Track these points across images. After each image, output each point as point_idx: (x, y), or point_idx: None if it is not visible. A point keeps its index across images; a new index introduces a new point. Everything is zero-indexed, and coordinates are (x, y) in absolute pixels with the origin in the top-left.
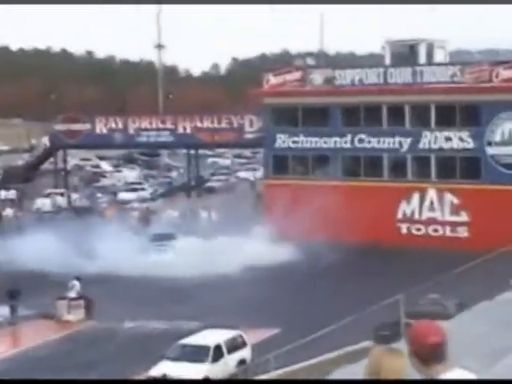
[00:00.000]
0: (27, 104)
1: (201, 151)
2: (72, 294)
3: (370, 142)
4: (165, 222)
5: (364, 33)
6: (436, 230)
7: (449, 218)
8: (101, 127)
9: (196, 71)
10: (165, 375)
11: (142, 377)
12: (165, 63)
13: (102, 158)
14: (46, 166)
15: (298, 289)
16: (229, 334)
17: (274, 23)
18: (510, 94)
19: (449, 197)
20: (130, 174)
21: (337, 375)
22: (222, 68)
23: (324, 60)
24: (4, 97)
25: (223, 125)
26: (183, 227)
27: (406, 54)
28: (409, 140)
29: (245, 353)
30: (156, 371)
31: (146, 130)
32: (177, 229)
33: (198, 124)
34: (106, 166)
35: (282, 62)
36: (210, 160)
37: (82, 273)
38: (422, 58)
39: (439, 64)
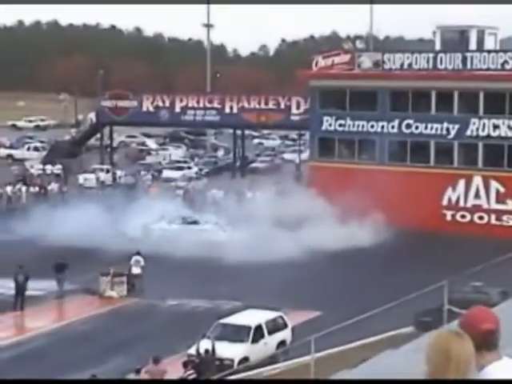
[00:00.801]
0: (75, 79)
1: (247, 132)
2: (137, 270)
3: (417, 128)
4: (210, 202)
5: (414, 17)
6: (481, 218)
7: (494, 206)
8: (147, 105)
9: (244, 51)
10: (207, 351)
11: (182, 355)
12: (213, 42)
13: (147, 136)
14: (92, 141)
15: (342, 273)
16: (270, 314)
17: (324, 5)
18: None
19: (495, 185)
20: (176, 152)
21: (375, 360)
22: (271, 49)
23: (373, 44)
24: (52, 72)
25: (270, 106)
26: (234, 208)
27: (456, 39)
28: (456, 127)
29: (285, 334)
30: (196, 349)
31: (193, 108)
32: (226, 209)
33: (245, 104)
34: (151, 143)
35: (331, 44)
36: (256, 141)
37: (125, 250)
38: (473, 45)
39: (490, 51)
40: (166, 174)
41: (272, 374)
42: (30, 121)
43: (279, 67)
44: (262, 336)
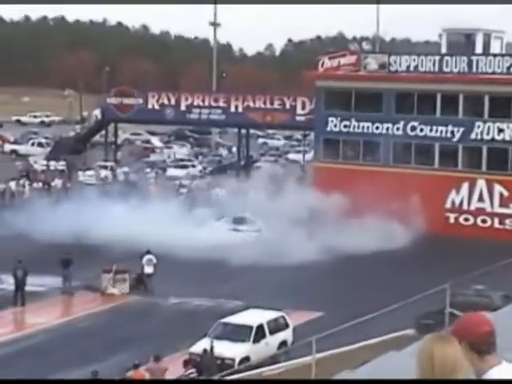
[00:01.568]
0: (81, 75)
1: (252, 131)
2: (149, 269)
3: (422, 130)
4: (213, 201)
5: (421, 20)
6: (484, 221)
7: (498, 209)
8: (153, 102)
9: (250, 51)
10: (205, 350)
11: (183, 353)
12: (219, 41)
13: (152, 134)
14: (97, 138)
15: (348, 274)
16: (271, 314)
17: (330, 6)
18: None
19: (498, 188)
20: (180, 150)
21: (375, 362)
22: (277, 49)
23: (379, 45)
24: (58, 67)
25: (275, 106)
26: (234, 207)
27: (462, 42)
28: (461, 130)
29: (286, 334)
30: (197, 348)
31: (198, 107)
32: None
33: (251, 104)
34: (156, 141)
35: (337, 45)
36: (261, 140)
37: (128, 247)
38: (479, 48)
39: (495, 54)
40: (170, 172)
41: (273, 374)
42: (35, 116)
43: (285, 67)
44: (264, 336)
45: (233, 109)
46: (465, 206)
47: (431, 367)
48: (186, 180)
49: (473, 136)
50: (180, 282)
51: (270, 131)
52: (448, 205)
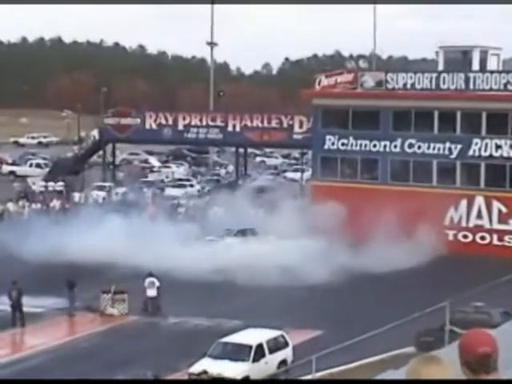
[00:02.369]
0: (78, 96)
1: (249, 150)
2: (152, 293)
3: (419, 147)
4: (211, 219)
5: (417, 38)
6: (483, 238)
7: (496, 226)
8: (150, 122)
9: (248, 70)
10: (205, 371)
11: (183, 373)
12: (217, 61)
13: (150, 153)
14: (95, 159)
15: (347, 293)
16: (271, 333)
17: (327, 25)
18: None
19: (497, 205)
20: (178, 170)
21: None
22: (274, 67)
23: (376, 63)
24: (55, 88)
25: (273, 124)
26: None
27: (459, 60)
28: (459, 146)
29: (286, 353)
30: (196, 368)
31: (196, 126)
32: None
33: (248, 123)
34: (154, 161)
35: (334, 63)
36: (259, 159)
37: (123, 267)
38: (476, 65)
39: (492, 71)
40: (169, 191)
41: None
42: (33, 137)
43: (282, 86)
44: (263, 355)
45: (230, 128)
46: (463, 223)
47: None
48: (184, 199)
49: (471, 153)
50: (180, 302)
51: (268, 150)
52: (447, 222)
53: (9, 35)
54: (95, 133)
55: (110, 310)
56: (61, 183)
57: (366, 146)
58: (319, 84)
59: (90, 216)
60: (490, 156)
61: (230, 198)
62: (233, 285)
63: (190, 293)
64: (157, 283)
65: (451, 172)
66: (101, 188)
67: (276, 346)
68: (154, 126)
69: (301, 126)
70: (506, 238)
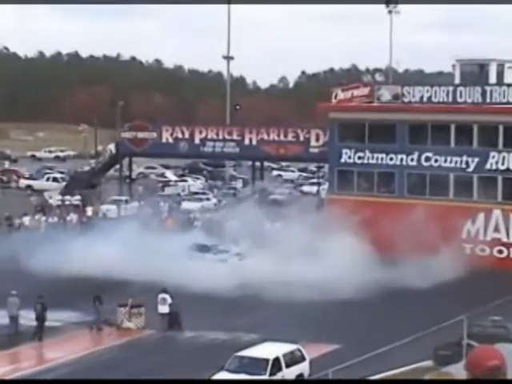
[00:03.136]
0: (95, 110)
1: (266, 163)
2: (164, 310)
3: (436, 161)
4: (228, 233)
5: (433, 51)
6: (500, 252)
7: None
8: (167, 136)
9: (264, 83)
10: None
11: None
12: (233, 74)
13: (167, 167)
14: (112, 172)
15: (369, 307)
16: (288, 347)
17: (343, 38)
18: None
19: None
20: (195, 183)
21: None
22: (291, 81)
23: (392, 76)
24: (72, 103)
25: (289, 138)
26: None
27: (475, 73)
28: (476, 160)
29: (303, 367)
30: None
31: (212, 140)
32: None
33: (264, 136)
34: (170, 175)
35: (351, 77)
36: (275, 173)
37: (141, 281)
38: (492, 78)
39: (509, 84)
40: (185, 205)
41: None
42: (50, 151)
43: (299, 99)
44: (280, 369)
45: (247, 141)
46: (481, 237)
47: None
48: (201, 213)
49: (488, 166)
50: (198, 315)
51: (284, 163)
52: (464, 235)
53: (26, 50)
54: (112, 147)
55: (127, 324)
56: (77, 197)
57: (382, 159)
58: (336, 98)
59: (106, 230)
60: (507, 169)
61: (246, 212)
62: (254, 299)
63: (207, 307)
64: (169, 300)
65: (468, 185)
66: (114, 202)
67: (293, 359)
68: (170, 140)
69: (317, 140)
70: None
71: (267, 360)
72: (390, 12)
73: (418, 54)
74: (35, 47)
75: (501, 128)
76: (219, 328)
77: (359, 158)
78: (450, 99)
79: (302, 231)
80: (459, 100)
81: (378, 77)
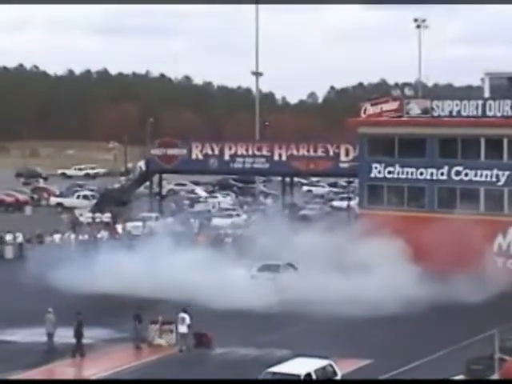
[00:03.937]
0: (125, 128)
1: (296, 179)
2: (183, 330)
3: (466, 175)
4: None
5: (463, 64)
6: None
7: None
8: (197, 153)
9: (293, 99)
10: None
11: None
12: (262, 90)
13: (196, 184)
14: (142, 189)
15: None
16: (319, 363)
17: (372, 52)
18: None
19: None
20: (225, 199)
21: None
22: (320, 96)
23: (422, 91)
24: (102, 120)
25: (319, 153)
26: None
27: (505, 86)
28: (506, 173)
29: None
30: None
31: (242, 156)
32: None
33: (294, 152)
34: (200, 191)
35: (380, 91)
36: (305, 188)
37: (171, 299)
38: None
39: None
40: (216, 221)
41: None
42: (80, 169)
43: (328, 114)
44: None
45: (276, 157)
46: None
47: None
48: (232, 229)
49: None
50: (231, 332)
51: (314, 179)
52: (495, 249)
53: (56, 68)
54: (142, 164)
55: (158, 341)
56: (108, 214)
57: (412, 173)
58: (365, 112)
59: (136, 247)
60: None
61: (276, 228)
62: (297, 316)
63: (240, 323)
64: (187, 320)
65: (499, 199)
66: (144, 219)
67: (324, 375)
68: (200, 157)
69: (347, 155)
70: None
71: (299, 376)
72: (418, 27)
73: (447, 67)
74: (65, 65)
75: None
76: (252, 344)
77: (389, 172)
78: (480, 113)
79: (340, 246)
80: (489, 113)
81: (407, 91)
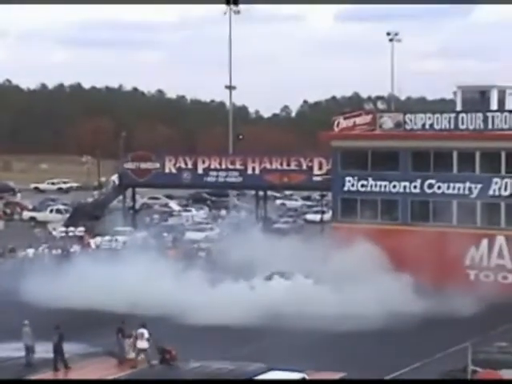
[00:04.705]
0: (98, 141)
1: (269, 192)
2: (143, 345)
3: (439, 188)
4: (232, 262)
5: (435, 78)
6: (505, 278)
7: None
8: (170, 166)
9: (266, 113)
10: None
11: None
12: (235, 104)
13: (170, 197)
14: (115, 203)
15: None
16: (292, 376)
17: (345, 66)
18: None
19: None
20: (198, 213)
21: None
22: (293, 110)
23: (394, 104)
24: (75, 134)
25: (292, 167)
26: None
27: (477, 99)
28: (479, 186)
29: None
30: None
31: (215, 170)
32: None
33: (267, 165)
34: (174, 205)
35: (353, 105)
36: (278, 202)
37: (146, 313)
38: (494, 105)
39: (511, 111)
40: (189, 235)
41: None
42: (53, 183)
43: (301, 128)
44: None
45: (250, 171)
46: (485, 263)
47: None
48: (205, 243)
49: (491, 192)
50: (206, 346)
51: (288, 192)
52: (468, 262)
53: (28, 82)
54: (115, 178)
55: (132, 355)
56: (81, 228)
57: (385, 186)
58: (338, 126)
59: (110, 261)
60: (511, 195)
61: (250, 241)
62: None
63: (215, 337)
64: (146, 335)
65: (472, 212)
66: (117, 233)
67: None
68: (173, 170)
69: (320, 168)
70: None
71: None
72: (391, 40)
73: (419, 81)
74: (37, 79)
75: (503, 154)
76: (226, 358)
77: (362, 185)
78: (452, 126)
79: (314, 258)
80: (461, 127)
81: (380, 105)
